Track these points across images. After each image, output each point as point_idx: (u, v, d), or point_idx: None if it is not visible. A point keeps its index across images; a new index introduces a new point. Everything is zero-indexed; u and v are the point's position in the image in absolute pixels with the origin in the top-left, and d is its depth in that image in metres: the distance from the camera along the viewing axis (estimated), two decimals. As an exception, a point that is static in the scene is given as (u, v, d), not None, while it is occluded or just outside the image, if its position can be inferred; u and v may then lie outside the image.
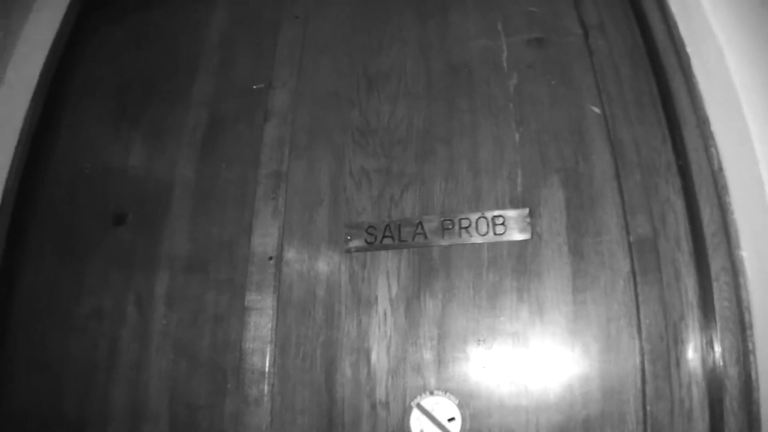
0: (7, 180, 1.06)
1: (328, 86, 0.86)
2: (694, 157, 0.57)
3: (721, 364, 0.51)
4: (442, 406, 0.61)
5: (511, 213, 0.66)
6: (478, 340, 0.63)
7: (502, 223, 0.66)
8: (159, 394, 0.78)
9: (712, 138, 0.57)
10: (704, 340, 0.54)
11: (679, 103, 0.59)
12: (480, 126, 0.72)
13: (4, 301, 1.00)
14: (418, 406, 0.62)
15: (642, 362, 0.55)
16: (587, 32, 0.70)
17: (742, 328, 0.51)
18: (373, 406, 0.65)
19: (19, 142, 1.08)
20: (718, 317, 0.52)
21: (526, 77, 0.72)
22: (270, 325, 0.75)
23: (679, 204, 0.59)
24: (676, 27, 0.62)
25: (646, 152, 0.61)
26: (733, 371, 0.51)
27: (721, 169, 0.56)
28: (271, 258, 0.79)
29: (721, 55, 0.56)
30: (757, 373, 0.50)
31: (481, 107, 0.73)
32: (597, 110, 0.65)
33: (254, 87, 0.93)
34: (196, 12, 1.06)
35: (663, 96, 0.62)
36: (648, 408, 0.53)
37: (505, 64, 0.73)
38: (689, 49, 0.61)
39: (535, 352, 0.60)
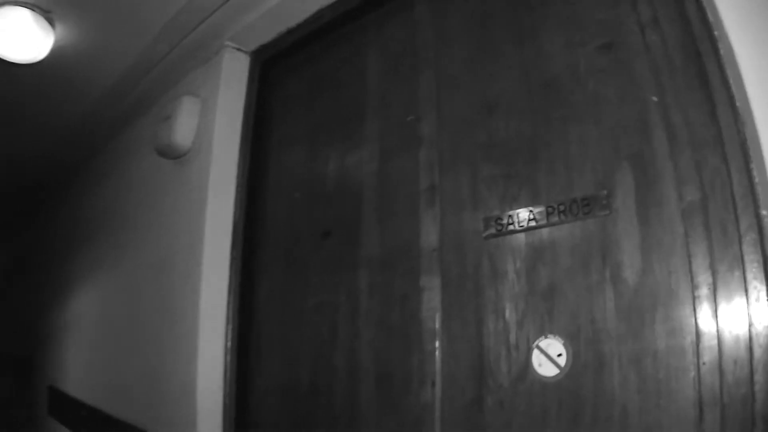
0: (234, 214, 1.71)
1: (460, 114, 1.24)
2: (726, 131, 0.78)
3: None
4: (554, 346, 0.95)
5: (594, 195, 0.95)
6: (576, 296, 0.94)
7: (588, 204, 0.95)
8: (367, 357, 1.28)
9: (740, 114, 0.77)
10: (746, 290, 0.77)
11: (713, 84, 0.81)
12: (569, 130, 1.02)
13: (249, 303, 1.64)
14: (537, 347, 0.97)
15: (694, 308, 0.80)
16: (643, 30, 0.93)
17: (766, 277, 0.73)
18: (508, 349, 1.01)
19: (238, 185, 1.74)
20: (746, 269, 0.74)
21: (599, 81, 0.99)
22: (437, 299, 1.17)
23: (724, 171, 0.80)
24: (707, 14, 0.83)
25: (696, 129, 0.84)
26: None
27: (745, 140, 0.76)
28: (434, 250, 1.21)
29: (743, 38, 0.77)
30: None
31: (569, 114, 1.03)
32: (655, 99, 0.89)
33: (408, 119, 1.36)
34: (354, 63, 1.56)
35: (703, 78, 0.84)
36: (699, 344, 0.79)
37: (582, 72, 1.01)
38: (716, 33, 0.81)
39: (616, 302, 0.89)
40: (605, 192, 0.94)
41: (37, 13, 1.81)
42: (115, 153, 2.74)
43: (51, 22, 1.86)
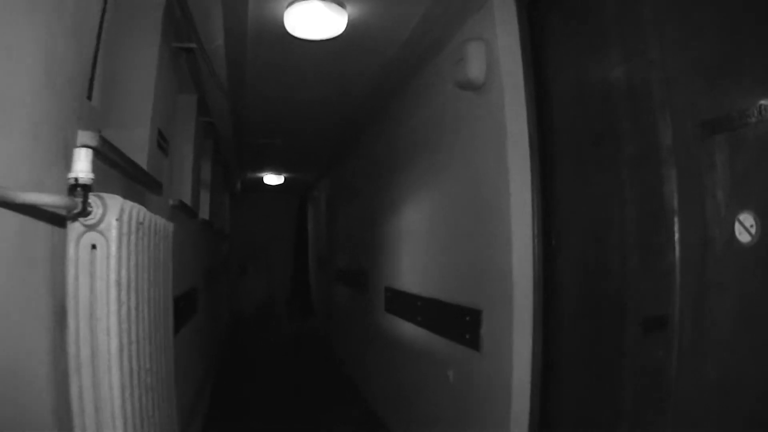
0: (529, 130, 2.54)
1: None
2: None
3: None
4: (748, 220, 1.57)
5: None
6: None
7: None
8: (634, 236, 2.03)
9: None
10: None
11: None
12: None
13: (548, 200, 2.49)
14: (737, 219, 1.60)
15: None
16: None
17: None
18: (719, 222, 1.67)
19: (528, 106, 2.55)
20: None
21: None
22: (675, 186, 1.85)
23: None
24: None
25: None
26: None
27: None
28: (670, 151, 1.87)
29: None
30: None
31: None
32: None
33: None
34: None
35: None
36: None
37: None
38: None
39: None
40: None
41: (326, 1, 2.86)
42: (418, 90, 3.83)
43: (341, 4, 2.91)
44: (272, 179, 9.67)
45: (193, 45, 2.87)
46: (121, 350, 1.28)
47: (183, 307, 3.23)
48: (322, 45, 3.28)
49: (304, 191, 11.39)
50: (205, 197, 5.11)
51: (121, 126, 2.27)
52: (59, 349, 1.31)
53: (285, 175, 9.50)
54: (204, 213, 5.03)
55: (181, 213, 3.32)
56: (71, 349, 1.28)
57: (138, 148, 2.32)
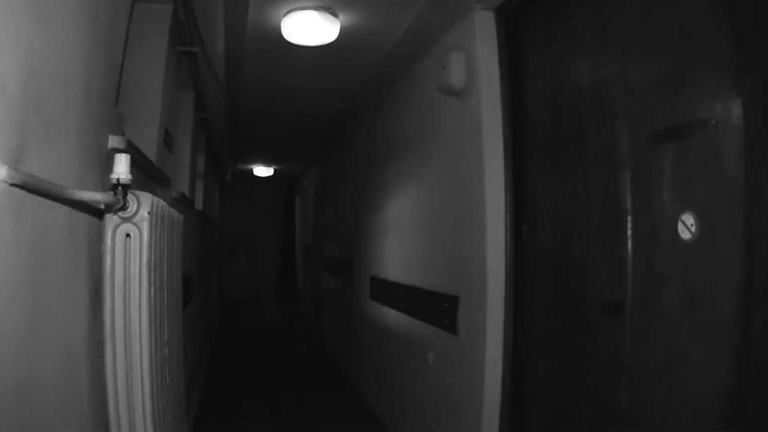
0: (504, 133, 2.77)
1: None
2: None
3: None
4: (689, 219, 1.81)
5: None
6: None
7: None
8: (598, 230, 2.27)
9: None
10: None
11: None
12: None
13: (519, 195, 2.73)
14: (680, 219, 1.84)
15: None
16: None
17: None
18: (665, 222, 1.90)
19: (504, 112, 2.77)
20: None
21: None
22: (628, 187, 2.08)
23: None
24: None
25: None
26: None
27: None
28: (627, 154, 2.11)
29: None
30: None
31: None
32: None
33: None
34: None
35: None
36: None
37: None
38: None
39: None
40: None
41: (321, 11, 3.07)
42: (404, 92, 4.05)
43: (335, 14, 3.12)
44: (262, 171, 9.85)
45: (196, 49, 3.06)
46: (150, 323, 1.49)
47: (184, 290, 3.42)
48: (315, 50, 3.49)
49: (292, 182, 11.59)
50: (199, 188, 5.29)
51: (133, 125, 2.46)
52: (94, 322, 1.52)
53: (275, 167, 9.69)
54: (199, 204, 5.22)
55: (182, 204, 3.51)
56: (107, 323, 1.50)
57: (148, 144, 2.51)
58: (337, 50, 3.55)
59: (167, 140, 2.81)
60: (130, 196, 1.51)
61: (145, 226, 1.50)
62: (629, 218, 2.08)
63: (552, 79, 2.62)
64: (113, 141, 1.58)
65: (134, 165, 1.96)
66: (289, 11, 3.05)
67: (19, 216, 1.02)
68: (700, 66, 1.83)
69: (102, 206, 1.49)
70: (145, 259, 1.50)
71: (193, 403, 4.19)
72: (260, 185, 12.06)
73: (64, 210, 1.28)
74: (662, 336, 1.94)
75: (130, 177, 1.47)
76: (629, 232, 2.08)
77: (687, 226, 1.82)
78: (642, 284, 2.03)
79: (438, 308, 3.19)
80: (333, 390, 5.38)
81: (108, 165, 1.57)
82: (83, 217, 1.44)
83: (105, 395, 1.51)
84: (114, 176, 1.45)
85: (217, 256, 9.31)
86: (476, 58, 2.85)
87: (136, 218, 1.51)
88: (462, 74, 2.93)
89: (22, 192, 0.99)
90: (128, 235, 1.51)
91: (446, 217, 3.23)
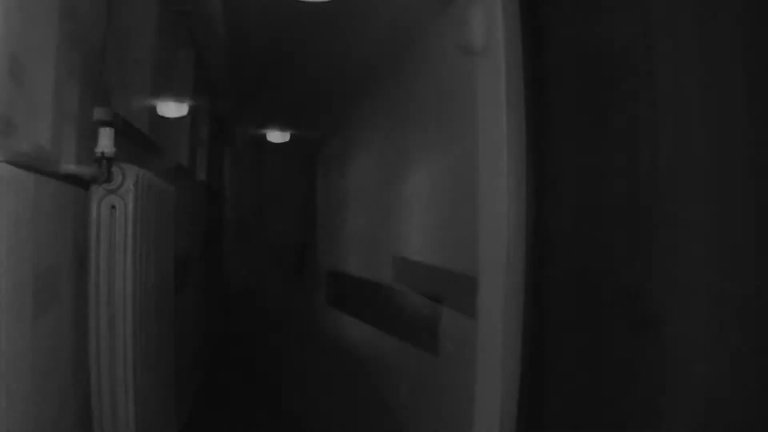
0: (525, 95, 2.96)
1: None
2: None
3: None
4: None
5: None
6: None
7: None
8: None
9: None
10: None
11: None
12: None
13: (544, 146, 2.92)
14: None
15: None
16: None
17: None
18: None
19: (525, 69, 2.96)
20: None
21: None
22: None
23: None
24: None
25: None
26: None
27: None
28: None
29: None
30: None
31: None
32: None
33: None
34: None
35: None
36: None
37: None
38: None
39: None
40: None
41: None
42: (422, 50, 4.25)
43: None
44: (276, 137, 10.07)
45: (190, 9, 3.28)
46: (134, 293, 1.75)
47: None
48: (326, 6, 3.70)
49: (312, 151, 11.74)
50: (202, 157, 5.53)
51: (123, 93, 2.70)
52: (79, 292, 1.78)
53: (290, 132, 9.90)
54: (201, 173, 5.47)
55: (178, 175, 3.76)
56: (91, 293, 1.76)
57: (139, 113, 2.76)
58: (348, 6, 3.75)
59: (161, 107, 3.06)
60: (115, 169, 1.76)
61: (130, 198, 1.76)
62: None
63: (576, 35, 2.79)
64: (99, 113, 1.83)
65: (124, 136, 2.22)
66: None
67: (5, 190, 1.25)
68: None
69: (88, 179, 1.74)
70: (130, 231, 1.76)
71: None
72: (273, 155, 12.22)
73: (51, 183, 1.53)
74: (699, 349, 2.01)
75: (114, 150, 1.72)
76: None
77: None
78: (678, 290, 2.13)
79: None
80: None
81: (94, 136, 1.82)
82: (69, 189, 1.69)
83: (88, 365, 1.77)
84: (98, 149, 1.70)
85: (224, 233, 9.46)
86: (497, 13, 3.03)
87: (121, 190, 1.76)
88: (482, 31, 3.11)
89: (8, 166, 1.23)
90: (113, 207, 1.77)
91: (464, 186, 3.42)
